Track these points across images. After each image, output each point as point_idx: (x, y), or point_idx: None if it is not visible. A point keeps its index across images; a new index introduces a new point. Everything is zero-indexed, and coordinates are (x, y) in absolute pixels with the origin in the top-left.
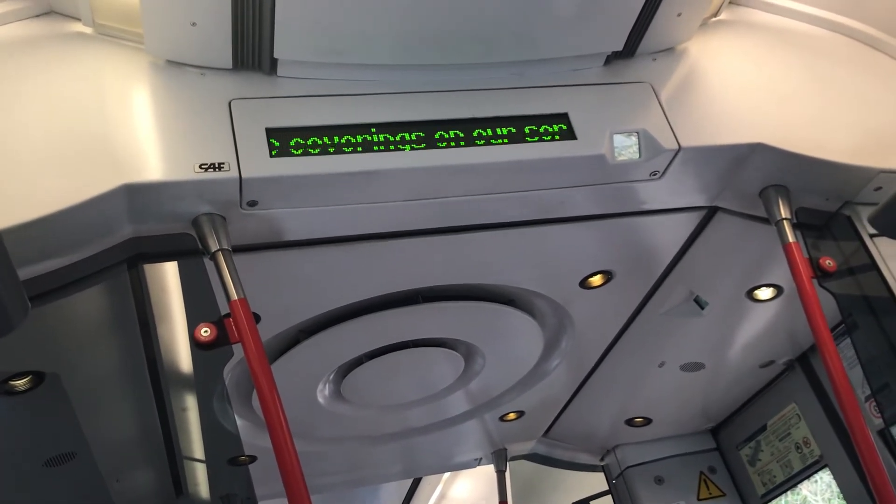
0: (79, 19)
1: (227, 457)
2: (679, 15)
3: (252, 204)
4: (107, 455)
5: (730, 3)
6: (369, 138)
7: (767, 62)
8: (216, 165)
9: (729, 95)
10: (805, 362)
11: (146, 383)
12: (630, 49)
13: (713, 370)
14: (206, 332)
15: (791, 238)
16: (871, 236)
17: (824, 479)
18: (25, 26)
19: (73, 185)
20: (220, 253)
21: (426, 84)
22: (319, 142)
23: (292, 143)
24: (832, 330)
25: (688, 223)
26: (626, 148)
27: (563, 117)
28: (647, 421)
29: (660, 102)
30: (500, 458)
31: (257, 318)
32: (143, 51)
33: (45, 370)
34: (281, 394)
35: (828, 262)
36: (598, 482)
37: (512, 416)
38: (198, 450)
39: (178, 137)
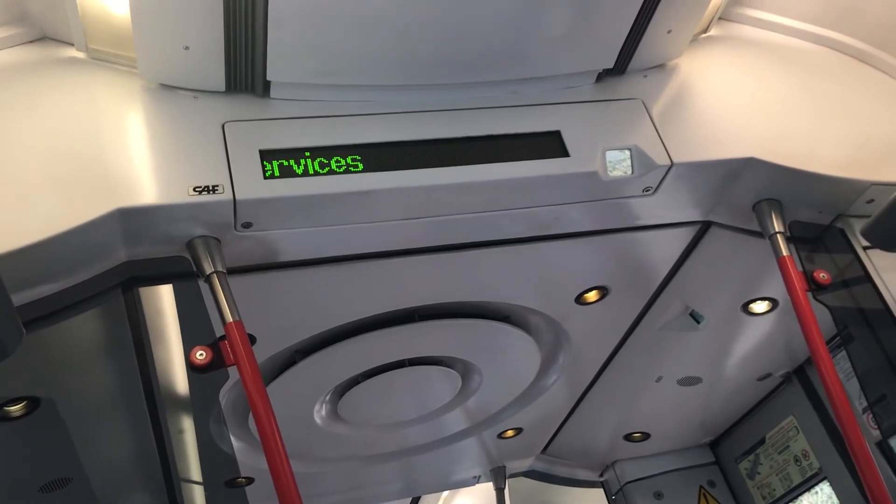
0: (72, 44)
1: (224, 479)
2: (669, 32)
3: (246, 226)
4: (103, 480)
5: (719, 19)
6: (363, 158)
7: (758, 77)
8: (210, 188)
9: (720, 110)
10: (802, 375)
11: (142, 407)
12: (621, 66)
13: (710, 384)
14: (201, 355)
15: (785, 251)
16: (865, 248)
17: (825, 490)
18: (19, 52)
19: (67, 210)
20: (214, 275)
21: (419, 104)
22: (313, 163)
23: (286, 164)
24: (828, 342)
25: (682, 238)
26: (618, 164)
27: (555, 135)
28: (646, 436)
29: (651, 119)
30: (498, 476)
31: (253, 339)
32: (136, 75)
33: (40, 395)
34: (277, 415)
35: (822, 275)
36: (597, 498)
37: (510, 433)
38: (195, 472)
39: (171, 161)
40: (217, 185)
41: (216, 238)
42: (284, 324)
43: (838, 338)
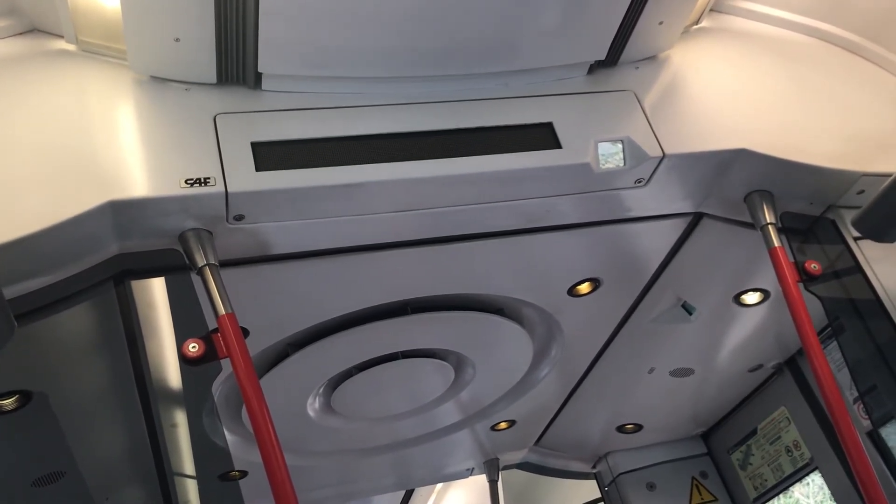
0: (62, 37)
1: (217, 472)
2: (661, 23)
3: (238, 218)
4: (95, 474)
5: (711, 10)
6: (355, 151)
7: (749, 68)
8: (202, 180)
9: (712, 102)
10: (793, 365)
11: (135, 400)
12: (613, 58)
13: (702, 375)
14: (194, 347)
15: (776, 242)
16: (856, 239)
17: (816, 481)
18: (8, 44)
19: (58, 203)
20: (207, 268)
21: (411, 96)
22: (305, 155)
23: (278, 156)
24: (819, 333)
25: (674, 229)
26: (610, 156)
27: (547, 126)
28: (638, 427)
29: (643, 110)
30: (492, 468)
31: (245, 332)
32: (126, 67)
33: (32, 389)
34: (270, 408)
35: (813, 266)
36: (590, 490)
37: (503, 425)
38: (188, 466)
39: (163, 153)
40: (209, 178)
41: (208, 231)
42: (277, 316)
43: (829, 328)
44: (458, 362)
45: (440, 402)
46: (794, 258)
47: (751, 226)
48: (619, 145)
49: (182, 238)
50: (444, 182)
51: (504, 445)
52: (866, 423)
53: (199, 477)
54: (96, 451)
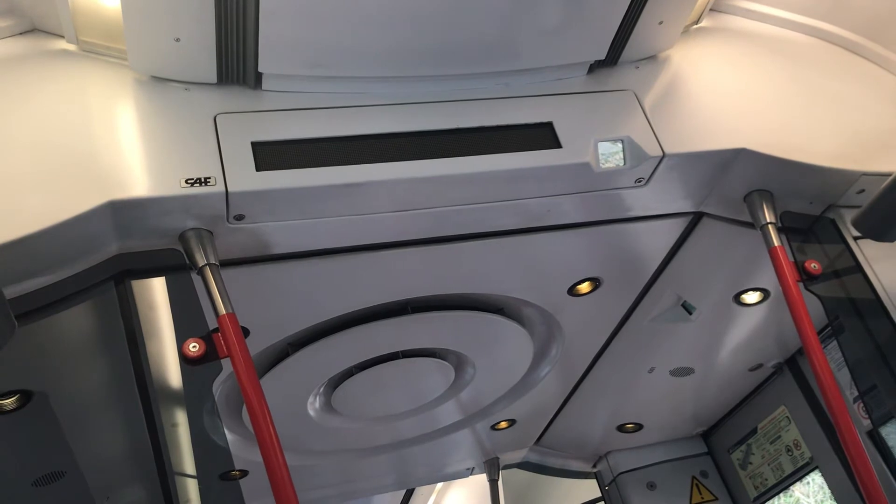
0: (62, 37)
1: (218, 472)
2: (661, 23)
3: (239, 218)
4: (96, 473)
5: (711, 10)
6: (355, 151)
7: (749, 68)
8: (202, 180)
9: (712, 101)
10: (793, 365)
11: (135, 400)
12: (613, 57)
13: (703, 375)
14: (194, 347)
15: (776, 242)
16: (855, 239)
17: (816, 480)
18: (8, 44)
19: (58, 203)
20: (207, 268)
21: (411, 95)
22: (305, 155)
23: (278, 156)
24: (819, 332)
25: (674, 229)
26: (610, 155)
27: (547, 126)
28: (639, 427)
29: (643, 110)
30: (492, 467)
31: (246, 332)
32: (127, 67)
33: (32, 389)
34: (271, 407)
35: (813, 266)
36: (590, 489)
37: (503, 424)
38: (189, 466)
39: (163, 153)
40: (209, 178)
41: (209, 230)
42: (277, 316)
43: (829, 328)
44: (458, 362)
45: (440, 401)
46: (794, 258)
47: (751, 225)
48: (619, 145)
49: (182, 238)
50: (444, 182)
51: (504, 445)
52: (866, 423)
53: (200, 476)
54: (96, 450)
